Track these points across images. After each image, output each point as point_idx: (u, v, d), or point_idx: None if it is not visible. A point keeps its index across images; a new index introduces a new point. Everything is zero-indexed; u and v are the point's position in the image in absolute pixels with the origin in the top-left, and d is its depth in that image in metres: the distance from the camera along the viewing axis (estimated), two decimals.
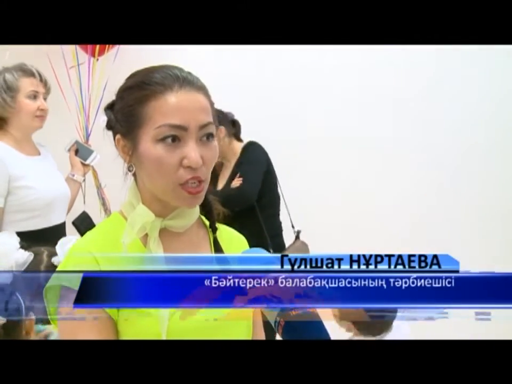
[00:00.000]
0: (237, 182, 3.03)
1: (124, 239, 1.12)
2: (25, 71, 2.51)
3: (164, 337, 1.07)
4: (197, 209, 1.21)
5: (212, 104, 1.16)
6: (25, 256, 1.64)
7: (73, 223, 2.80)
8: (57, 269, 1.13)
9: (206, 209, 1.23)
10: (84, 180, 2.84)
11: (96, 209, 3.05)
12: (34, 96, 2.51)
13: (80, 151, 2.81)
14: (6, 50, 2.72)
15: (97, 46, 2.98)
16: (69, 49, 2.98)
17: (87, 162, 2.82)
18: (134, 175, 1.17)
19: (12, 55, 2.67)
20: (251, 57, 3.50)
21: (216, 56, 3.33)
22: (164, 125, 1.09)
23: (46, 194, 2.49)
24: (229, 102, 2.93)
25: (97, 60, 2.99)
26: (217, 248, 1.20)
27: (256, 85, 3.58)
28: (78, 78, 3.00)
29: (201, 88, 1.14)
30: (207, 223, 1.24)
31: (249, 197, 3.02)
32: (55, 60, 2.93)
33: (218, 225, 1.23)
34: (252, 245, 3.15)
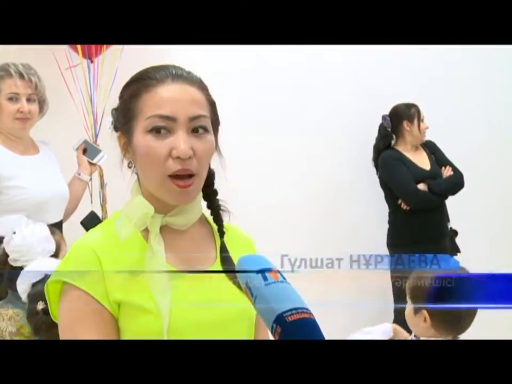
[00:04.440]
0: (448, 171, 3.56)
1: (121, 232, 1.11)
2: (7, 71, 2.45)
3: (164, 335, 1.07)
4: (199, 207, 1.20)
5: (210, 100, 1.16)
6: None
7: (81, 223, 2.78)
8: (59, 265, 1.13)
9: (213, 212, 1.22)
10: (91, 179, 2.82)
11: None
12: (14, 98, 2.45)
13: (88, 150, 2.80)
14: (10, 50, 2.69)
15: (104, 46, 2.95)
16: (75, 48, 2.95)
17: (94, 161, 2.80)
18: (137, 173, 1.18)
19: (17, 53, 2.63)
20: (251, 57, 3.50)
21: (216, 56, 3.32)
22: (153, 116, 1.09)
23: (38, 194, 2.45)
24: (230, 101, 2.94)
25: (92, 62, 2.96)
26: (224, 253, 1.19)
27: (256, 85, 3.58)
28: (85, 77, 2.97)
29: (196, 83, 1.14)
30: (211, 220, 1.24)
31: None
32: (61, 59, 2.90)
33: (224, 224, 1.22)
34: (435, 231, 3.34)
